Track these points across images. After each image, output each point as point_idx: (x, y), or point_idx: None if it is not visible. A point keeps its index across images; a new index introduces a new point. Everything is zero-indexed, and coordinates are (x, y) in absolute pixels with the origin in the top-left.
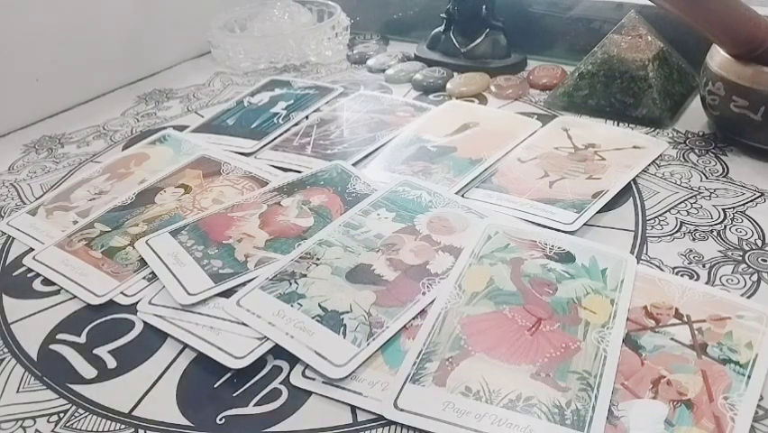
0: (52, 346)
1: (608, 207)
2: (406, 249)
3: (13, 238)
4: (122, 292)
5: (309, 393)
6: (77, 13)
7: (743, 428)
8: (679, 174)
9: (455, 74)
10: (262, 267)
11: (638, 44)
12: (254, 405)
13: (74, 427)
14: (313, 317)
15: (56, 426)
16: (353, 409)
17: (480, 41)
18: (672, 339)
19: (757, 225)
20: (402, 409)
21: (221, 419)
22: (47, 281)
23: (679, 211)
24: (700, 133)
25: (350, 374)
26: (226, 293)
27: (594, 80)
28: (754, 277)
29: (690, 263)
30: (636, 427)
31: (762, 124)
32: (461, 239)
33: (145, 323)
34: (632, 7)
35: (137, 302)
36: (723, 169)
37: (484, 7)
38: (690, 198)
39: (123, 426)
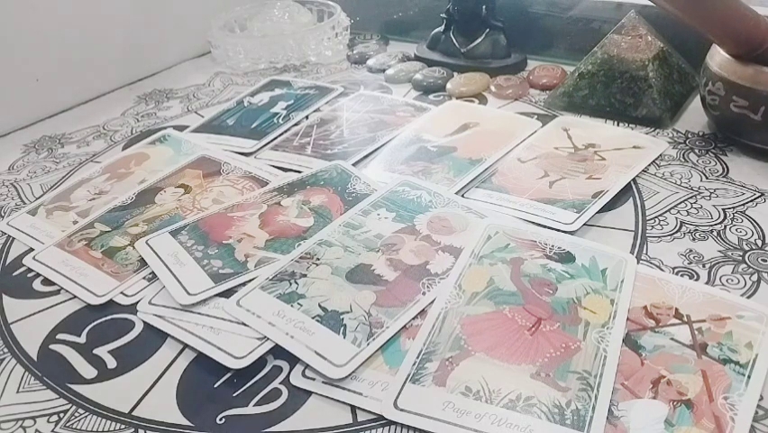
0: (52, 346)
1: (608, 207)
2: (406, 249)
3: (13, 238)
4: (122, 292)
5: (309, 393)
6: (77, 13)
7: (743, 428)
8: (679, 174)
9: (455, 74)
10: (262, 267)
11: (638, 44)
12: (254, 405)
13: (74, 427)
14: (313, 317)
15: (56, 426)
16: (353, 409)
17: (480, 41)
18: (672, 339)
19: (757, 225)
20: (402, 409)
21: (221, 419)
22: (47, 281)
23: (679, 211)
24: (700, 133)
25: (350, 374)
26: (226, 293)
27: (594, 80)
28: (754, 277)
29: (690, 263)
30: (636, 427)
31: (762, 124)
32: (461, 239)
33: (145, 323)
34: (632, 7)
35: (137, 302)
36: (723, 169)
37: (484, 7)
38: (690, 198)
39: (123, 426)
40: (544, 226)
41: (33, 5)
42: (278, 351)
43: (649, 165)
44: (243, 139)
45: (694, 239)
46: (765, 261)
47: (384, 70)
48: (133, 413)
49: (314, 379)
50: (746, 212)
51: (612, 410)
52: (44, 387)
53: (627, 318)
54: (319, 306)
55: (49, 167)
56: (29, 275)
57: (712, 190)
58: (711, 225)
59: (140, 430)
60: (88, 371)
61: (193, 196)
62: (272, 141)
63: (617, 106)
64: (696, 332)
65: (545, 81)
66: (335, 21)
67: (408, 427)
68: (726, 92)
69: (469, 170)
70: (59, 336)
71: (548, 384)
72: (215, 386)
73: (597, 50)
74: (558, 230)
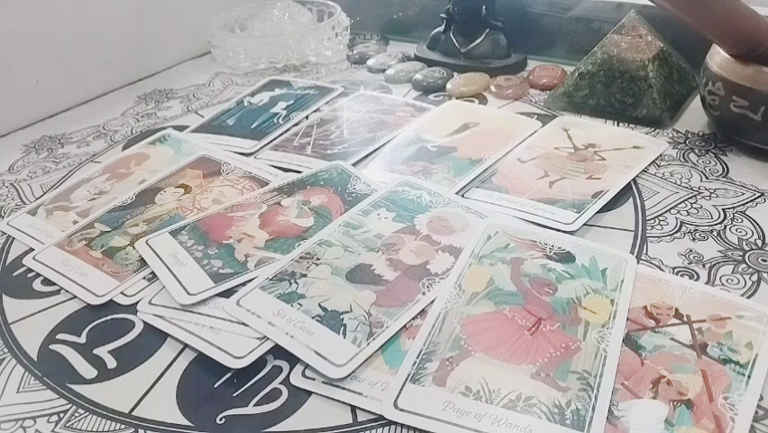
0: (52, 346)
1: (608, 207)
2: (406, 249)
3: (13, 238)
4: (122, 292)
5: (309, 393)
6: (78, 14)
7: (743, 428)
8: (679, 174)
9: (455, 74)
10: (262, 267)
11: (638, 44)
12: (254, 405)
13: (74, 427)
14: (313, 317)
15: (56, 426)
16: (353, 409)
17: (480, 41)
18: (672, 339)
19: (757, 225)
20: (402, 410)
21: (221, 419)
22: (47, 281)
23: (679, 211)
24: (700, 133)
25: (350, 374)
26: (226, 293)
27: (594, 80)
28: (754, 277)
29: (690, 263)
30: (636, 427)
31: (762, 124)
32: (461, 239)
33: (145, 323)
34: (632, 7)
35: (137, 302)
36: (723, 169)
37: (484, 7)
38: (690, 198)
39: (123, 426)
40: (544, 226)
41: (33, 5)
42: (278, 351)
43: (649, 165)
44: (243, 139)
45: (694, 239)
46: (765, 261)
47: (384, 70)
48: (133, 413)
49: (314, 379)
50: (746, 212)
51: (612, 410)
52: (44, 387)
53: (627, 318)
54: (319, 306)
55: (49, 167)
56: (29, 275)
57: (712, 190)
58: (711, 225)
59: (140, 430)
60: (88, 371)
61: (193, 196)
62: (272, 141)
63: (617, 106)
64: (696, 332)
65: (545, 81)
66: (335, 21)
67: (408, 427)
68: (726, 92)
69: (469, 170)
70: (59, 336)
71: (548, 384)
72: (215, 386)
73: (597, 50)
74: (558, 230)
